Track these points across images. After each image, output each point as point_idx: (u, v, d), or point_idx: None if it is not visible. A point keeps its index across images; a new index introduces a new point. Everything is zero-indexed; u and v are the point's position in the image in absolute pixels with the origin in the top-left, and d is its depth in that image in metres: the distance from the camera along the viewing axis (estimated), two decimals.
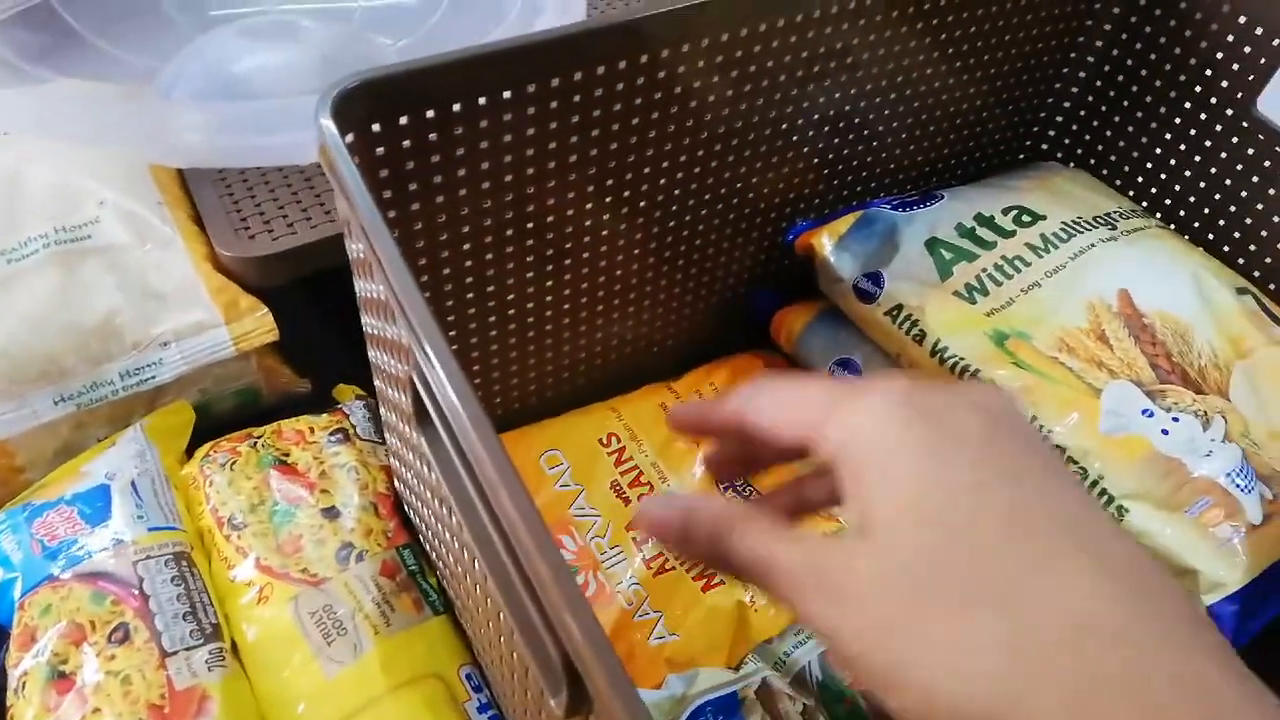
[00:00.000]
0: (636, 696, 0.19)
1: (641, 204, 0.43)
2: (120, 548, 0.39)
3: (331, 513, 0.41)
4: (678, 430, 0.29)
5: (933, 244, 0.47)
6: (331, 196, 0.50)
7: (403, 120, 0.32)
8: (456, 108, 0.33)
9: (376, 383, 0.38)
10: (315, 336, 0.55)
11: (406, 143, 0.33)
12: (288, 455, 0.44)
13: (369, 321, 0.33)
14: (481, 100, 0.33)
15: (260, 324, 0.46)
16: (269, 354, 0.50)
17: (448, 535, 0.33)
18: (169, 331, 0.45)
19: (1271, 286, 0.48)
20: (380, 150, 0.32)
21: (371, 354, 0.36)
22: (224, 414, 0.50)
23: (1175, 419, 0.40)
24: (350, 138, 0.30)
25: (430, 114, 0.32)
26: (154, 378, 0.45)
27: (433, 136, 0.33)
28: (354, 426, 0.46)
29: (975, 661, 0.19)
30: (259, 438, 0.45)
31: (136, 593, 0.37)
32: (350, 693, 0.36)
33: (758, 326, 0.53)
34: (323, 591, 0.39)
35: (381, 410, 0.39)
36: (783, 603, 0.22)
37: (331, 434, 0.45)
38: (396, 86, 0.31)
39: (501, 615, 0.28)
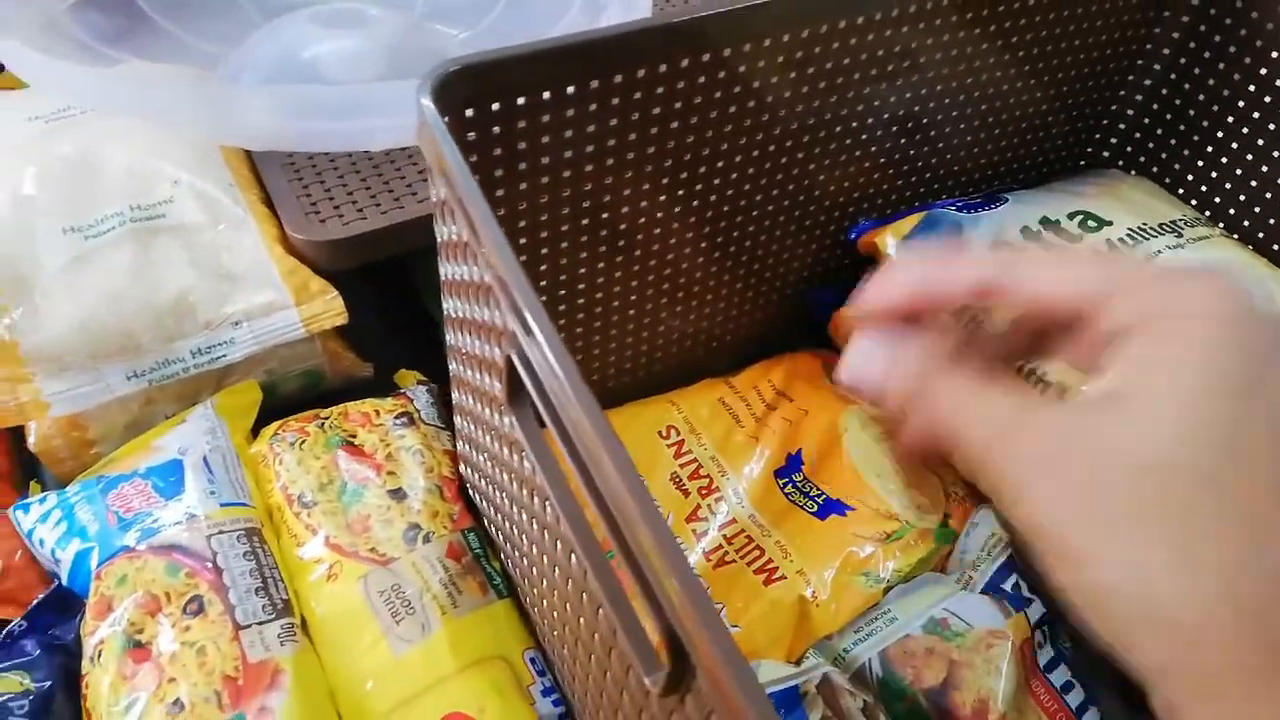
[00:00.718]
0: (747, 665, 0.19)
1: (710, 198, 0.43)
2: (193, 521, 0.39)
3: (398, 494, 0.42)
4: (885, 303, 0.25)
5: (998, 247, 0.47)
6: (399, 183, 0.51)
7: (495, 106, 0.32)
8: (546, 95, 0.33)
9: (453, 366, 0.38)
10: (374, 322, 0.55)
11: (496, 129, 0.33)
12: (354, 436, 0.44)
13: (455, 305, 0.34)
14: (570, 89, 0.34)
15: (330, 307, 0.47)
16: (333, 338, 0.51)
17: (524, 517, 0.33)
18: (240, 311, 0.46)
19: None
20: (471, 135, 0.33)
21: (451, 337, 0.36)
22: (288, 395, 0.51)
23: None
24: (446, 120, 0.31)
25: (520, 101, 0.33)
26: (225, 356, 0.46)
27: (521, 124, 0.34)
28: (418, 411, 0.47)
29: (1182, 581, 0.17)
30: (326, 419, 0.45)
31: (210, 566, 0.38)
32: (418, 672, 0.37)
33: (817, 324, 0.53)
34: (391, 571, 0.39)
35: (454, 394, 0.40)
36: (969, 457, 0.21)
37: (397, 417, 0.46)
38: (492, 73, 0.31)
39: (585, 595, 0.28)
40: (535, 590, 0.36)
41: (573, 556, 0.28)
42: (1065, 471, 0.19)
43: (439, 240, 0.33)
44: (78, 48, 0.55)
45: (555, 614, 0.34)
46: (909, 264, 0.25)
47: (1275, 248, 0.50)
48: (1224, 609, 0.17)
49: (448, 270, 0.33)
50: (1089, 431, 0.19)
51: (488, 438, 0.35)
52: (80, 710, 0.36)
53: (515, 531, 0.36)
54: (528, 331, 0.24)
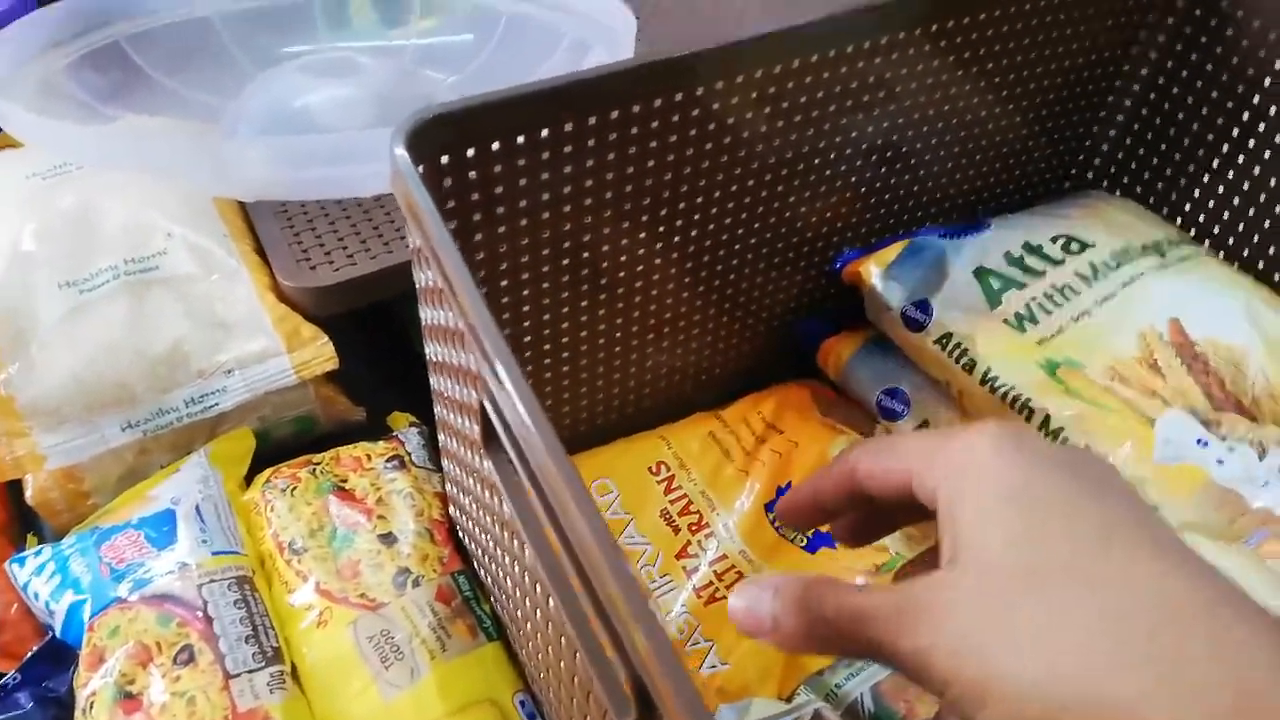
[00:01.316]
0: (709, 714, 0.19)
1: (692, 233, 0.43)
2: (185, 571, 0.40)
3: (389, 538, 0.42)
4: (793, 524, 0.31)
5: (981, 272, 0.48)
6: (389, 228, 0.51)
7: (470, 152, 0.33)
8: (520, 140, 0.34)
9: (437, 410, 0.38)
10: (366, 367, 0.56)
11: (472, 174, 0.34)
12: (346, 481, 0.45)
13: (435, 349, 0.34)
14: (544, 133, 0.34)
15: (320, 352, 0.47)
16: (325, 383, 0.52)
17: (507, 560, 0.34)
18: (233, 359, 0.47)
19: None
20: (448, 182, 0.33)
21: (434, 381, 0.37)
22: (281, 441, 0.51)
23: (1230, 448, 0.40)
24: (421, 169, 0.31)
25: (495, 146, 0.33)
26: (217, 405, 0.47)
27: (497, 168, 0.34)
28: (409, 454, 0.47)
29: (1064, 647, 0.20)
30: (318, 464, 0.46)
31: (201, 615, 0.38)
32: (408, 717, 0.37)
33: (805, 355, 0.53)
34: (381, 616, 0.39)
35: (440, 437, 0.40)
36: (874, 649, 0.23)
37: (388, 461, 0.46)
38: (466, 120, 0.32)
39: (563, 639, 0.29)
40: (521, 632, 0.37)
41: (550, 600, 0.28)
42: (947, 631, 0.22)
43: (418, 285, 0.33)
44: (75, 105, 0.56)
45: (540, 655, 0.34)
46: (799, 486, 0.29)
47: (1260, 265, 0.50)
48: (1053, 673, 0.20)
49: (427, 315, 0.34)
50: (948, 593, 0.22)
51: (471, 480, 0.36)
52: None
53: (500, 573, 0.37)
54: (497, 379, 0.24)
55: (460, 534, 0.44)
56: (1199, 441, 0.40)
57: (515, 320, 0.41)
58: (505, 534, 0.32)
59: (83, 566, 0.40)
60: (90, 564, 0.40)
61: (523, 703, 0.39)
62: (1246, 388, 0.42)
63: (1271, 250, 0.49)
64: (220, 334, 0.47)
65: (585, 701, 0.28)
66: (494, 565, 0.38)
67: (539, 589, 0.29)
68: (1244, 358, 0.43)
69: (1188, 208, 0.53)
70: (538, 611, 0.31)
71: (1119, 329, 0.44)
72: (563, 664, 0.30)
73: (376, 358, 0.58)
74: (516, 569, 0.32)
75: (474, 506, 0.37)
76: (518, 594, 0.34)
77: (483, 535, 0.38)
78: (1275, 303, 0.46)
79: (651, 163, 0.39)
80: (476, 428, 0.30)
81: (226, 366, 0.46)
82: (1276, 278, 0.49)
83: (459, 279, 0.26)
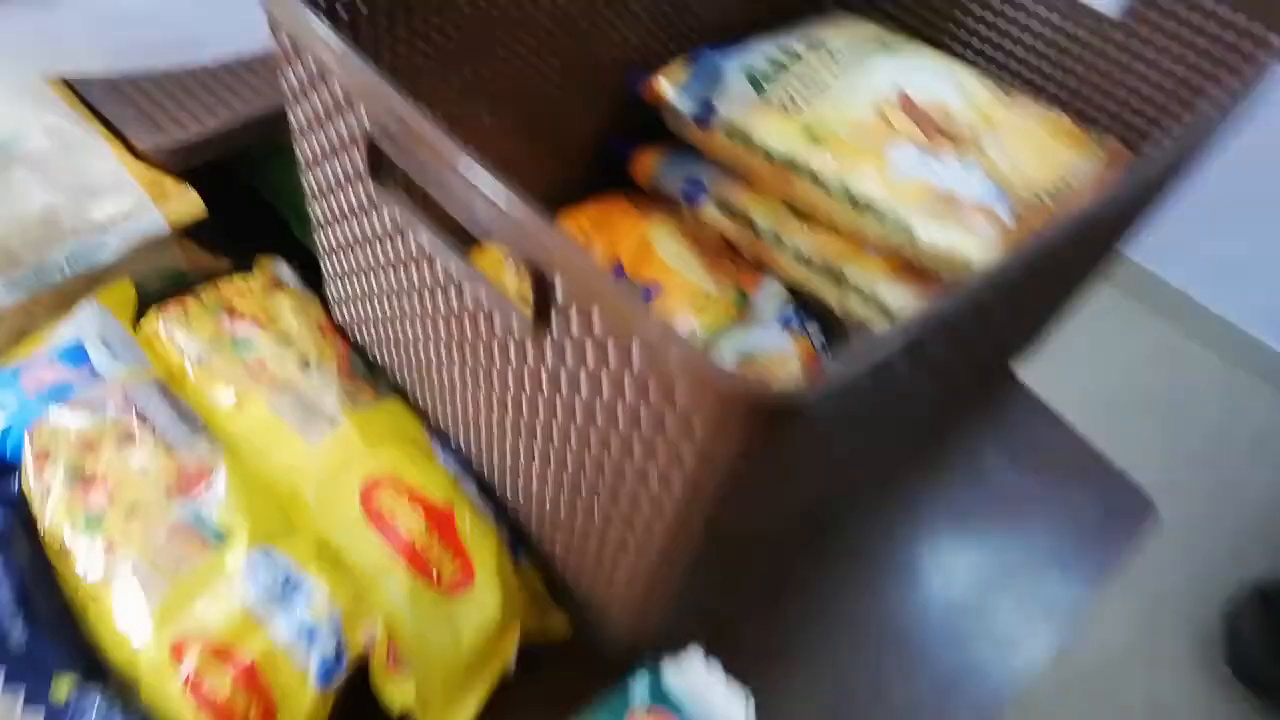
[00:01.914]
0: (592, 259, 0.27)
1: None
2: (107, 381, 0.44)
3: (284, 338, 0.48)
4: None
5: (750, 73, 0.58)
6: (228, 92, 0.56)
7: None
8: None
9: (318, 209, 0.44)
10: (220, 224, 0.60)
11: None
12: (232, 304, 0.50)
13: (310, 145, 0.40)
14: None
15: (189, 203, 0.52)
16: (192, 248, 0.56)
17: (399, 297, 0.41)
18: (105, 219, 0.50)
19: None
20: None
21: (312, 180, 0.43)
22: (153, 296, 0.55)
23: (945, 166, 0.52)
24: None
25: None
26: (98, 259, 0.50)
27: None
28: (283, 280, 0.53)
29: None
30: (203, 294, 0.51)
31: (134, 409, 0.43)
32: (334, 453, 0.44)
33: (618, 169, 0.62)
34: (294, 390, 0.46)
35: (322, 237, 0.46)
36: None
37: (266, 285, 0.52)
38: None
39: (455, 296, 0.36)
40: (420, 355, 0.44)
41: (439, 268, 0.36)
42: None
43: (289, 96, 0.39)
44: None
45: (435, 358, 0.42)
46: None
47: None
48: None
49: (300, 115, 0.39)
50: None
51: (362, 252, 0.42)
52: (38, 541, 0.41)
53: (395, 320, 0.44)
54: (379, 98, 0.32)
55: (347, 331, 0.51)
56: (922, 162, 0.52)
57: None
58: (393, 253, 0.39)
59: (8, 396, 0.44)
60: (15, 393, 0.44)
61: (431, 436, 0.47)
62: (956, 131, 0.55)
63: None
64: (87, 197, 0.51)
65: (487, 339, 0.36)
66: (387, 324, 0.45)
67: (427, 276, 0.37)
68: (952, 111, 0.55)
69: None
70: (430, 305, 0.39)
71: (855, 100, 0.56)
72: (455, 325, 0.37)
73: (231, 220, 0.62)
74: (405, 282, 0.40)
75: (364, 280, 0.44)
76: (412, 308, 0.41)
77: (374, 305, 0.45)
78: (969, 70, 0.59)
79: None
80: (360, 175, 0.37)
81: (101, 225, 0.50)
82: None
83: (322, 33, 0.33)
